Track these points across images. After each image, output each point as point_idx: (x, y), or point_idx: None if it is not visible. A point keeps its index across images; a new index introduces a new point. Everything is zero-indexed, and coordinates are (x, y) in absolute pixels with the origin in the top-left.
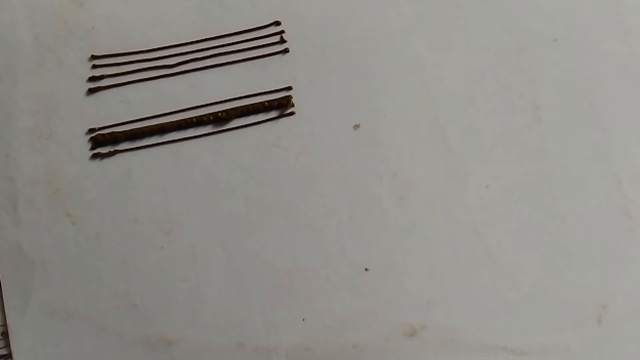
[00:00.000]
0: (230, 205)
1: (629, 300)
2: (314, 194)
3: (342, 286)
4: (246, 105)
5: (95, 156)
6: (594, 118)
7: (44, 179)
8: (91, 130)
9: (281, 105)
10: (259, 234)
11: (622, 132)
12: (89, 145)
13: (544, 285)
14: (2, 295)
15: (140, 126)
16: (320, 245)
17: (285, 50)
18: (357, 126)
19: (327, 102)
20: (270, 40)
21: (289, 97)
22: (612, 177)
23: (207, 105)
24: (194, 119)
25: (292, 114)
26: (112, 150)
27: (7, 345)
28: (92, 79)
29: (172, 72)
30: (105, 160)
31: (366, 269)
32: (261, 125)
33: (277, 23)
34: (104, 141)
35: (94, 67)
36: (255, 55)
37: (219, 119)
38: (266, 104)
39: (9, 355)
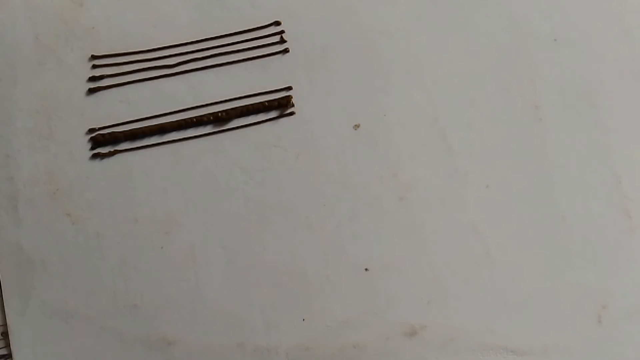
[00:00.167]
0: (230, 205)
1: (629, 300)
2: (314, 194)
3: (342, 286)
4: (246, 105)
5: (95, 156)
6: (594, 118)
7: (44, 179)
8: (91, 130)
9: (281, 105)
10: (259, 234)
11: (622, 132)
12: (89, 145)
13: (544, 285)
14: (2, 295)
15: (140, 126)
16: (320, 245)
17: (285, 50)
18: (357, 126)
19: (327, 102)
20: (270, 40)
21: (289, 97)
22: (612, 177)
23: (207, 105)
24: (194, 119)
25: (292, 114)
26: (112, 150)
27: (7, 345)
28: (92, 79)
29: (172, 72)
30: (105, 160)
31: (366, 269)
32: (261, 125)
33: (277, 23)
34: (104, 141)
35: (94, 67)
36: (255, 55)
37: (219, 119)
38: (266, 104)
39: (9, 355)
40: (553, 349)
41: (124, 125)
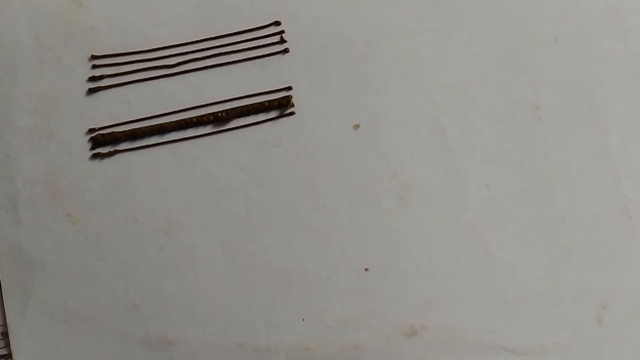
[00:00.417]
0: (230, 205)
1: (629, 300)
2: (314, 194)
3: (342, 286)
4: (246, 105)
5: (95, 156)
6: (594, 118)
7: (44, 179)
8: (91, 130)
9: (281, 105)
10: (259, 233)
11: (622, 132)
12: (89, 145)
13: (544, 285)
14: (2, 295)
15: (140, 126)
16: (320, 245)
17: (285, 50)
18: (357, 126)
19: (327, 102)
20: (270, 40)
21: (289, 97)
22: (612, 177)
23: (207, 105)
24: (194, 119)
25: (292, 114)
26: (112, 150)
27: (7, 345)
28: (92, 79)
29: (172, 72)
30: (105, 160)
31: (366, 269)
32: (261, 125)
33: (277, 23)
34: (104, 141)
35: (94, 67)
36: (255, 55)
37: (219, 119)
38: (266, 104)
39: (9, 355)
40: (553, 349)
41: (124, 125)
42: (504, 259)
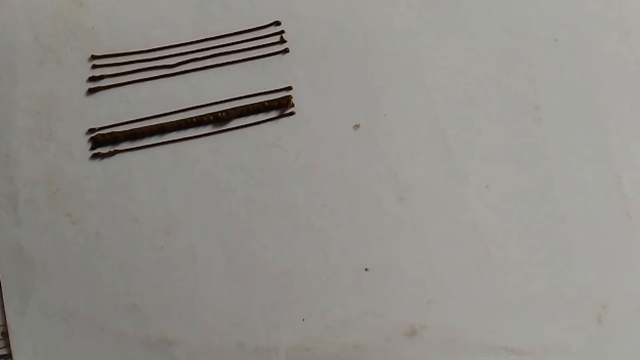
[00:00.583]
0: (230, 205)
1: (629, 300)
2: (314, 194)
3: (342, 286)
4: (246, 105)
5: (95, 156)
6: (594, 118)
7: (44, 179)
8: (91, 130)
9: (281, 105)
10: (259, 234)
11: (622, 132)
12: (89, 145)
13: (544, 285)
14: (2, 295)
15: (140, 126)
16: (320, 245)
17: (285, 50)
18: (357, 126)
19: (327, 102)
20: (270, 40)
21: (289, 97)
22: (612, 177)
23: (207, 105)
24: (194, 119)
25: (292, 114)
26: (112, 150)
27: (7, 345)
28: (92, 79)
29: (172, 72)
30: (105, 160)
31: (366, 269)
32: (261, 125)
33: (277, 23)
34: (104, 141)
35: (94, 67)
36: (255, 55)
37: (219, 119)
38: (266, 104)
39: (9, 355)
40: (553, 349)
41: (124, 125)
42: (504, 259)
